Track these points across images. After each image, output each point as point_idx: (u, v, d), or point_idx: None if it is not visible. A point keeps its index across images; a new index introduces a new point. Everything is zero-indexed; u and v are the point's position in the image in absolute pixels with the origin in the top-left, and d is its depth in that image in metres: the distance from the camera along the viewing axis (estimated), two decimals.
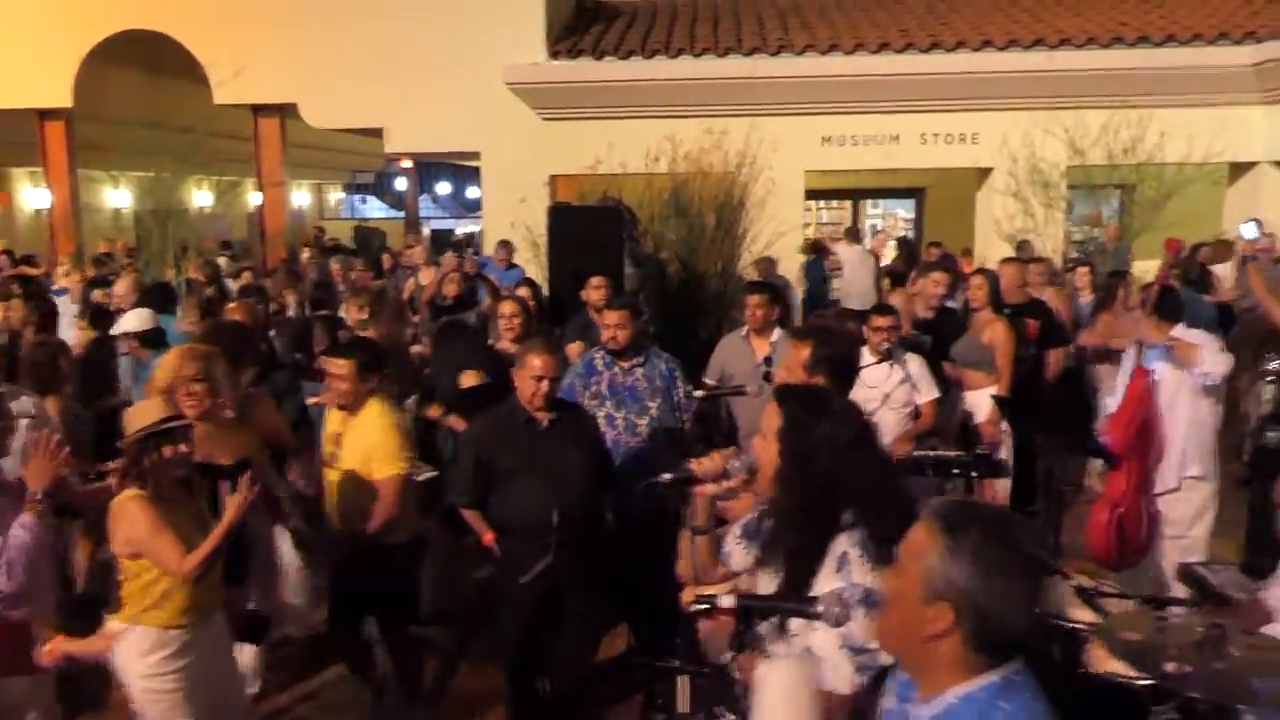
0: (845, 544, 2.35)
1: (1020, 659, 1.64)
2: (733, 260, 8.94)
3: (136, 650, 3.34)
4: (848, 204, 17.44)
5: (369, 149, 16.52)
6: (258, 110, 12.80)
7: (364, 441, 4.16)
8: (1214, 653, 2.39)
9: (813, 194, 14.56)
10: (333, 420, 4.34)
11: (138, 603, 3.36)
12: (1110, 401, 5.06)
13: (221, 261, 11.71)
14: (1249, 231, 8.90)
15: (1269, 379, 7.22)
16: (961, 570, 1.59)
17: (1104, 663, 3.19)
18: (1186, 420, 4.84)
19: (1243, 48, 11.04)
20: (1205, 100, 11.10)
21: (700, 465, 2.45)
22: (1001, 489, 5.86)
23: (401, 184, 24.68)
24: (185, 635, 3.39)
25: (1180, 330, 4.84)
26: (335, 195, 27.42)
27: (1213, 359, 4.67)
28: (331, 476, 4.28)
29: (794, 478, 2.33)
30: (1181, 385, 4.80)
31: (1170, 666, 2.44)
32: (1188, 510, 4.93)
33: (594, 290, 6.52)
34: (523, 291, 7.02)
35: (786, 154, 10.52)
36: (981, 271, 6.60)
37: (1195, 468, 4.89)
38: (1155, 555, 4.96)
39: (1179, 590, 4.78)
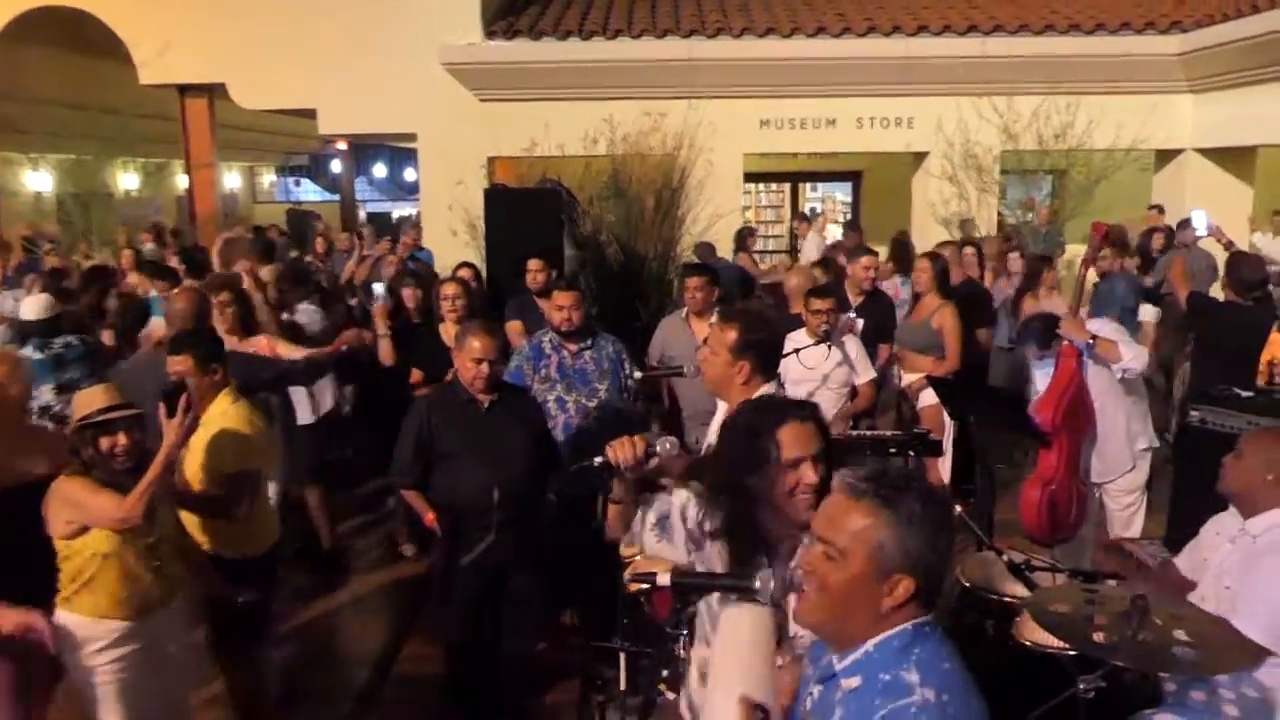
0: None
1: (931, 610, 1.72)
2: (672, 242, 8.97)
3: (68, 637, 3.25)
4: (786, 187, 17.54)
5: (302, 130, 16.20)
6: (184, 90, 12.45)
7: (208, 439, 3.78)
8: (1138, 623, 2.46)
9: (751, 177, 14.62)
10: None
11: (68, 586, 3.26)
12: (1040, 382, 5.16)
13: (150, 246, 11.40)
14: (1199, 222, 9.19)
15: (1187, 360, 7.45)
16: (915, 540, 1.65)
17: (1034, 634, 3.28)
18: (1123, 399, 4.97)
19: (1169, 37, 11.29)
20: (1133, 88, 11.35)
21: (613, 451, 2.42)
22: (941, 468, 5.98)
23: (336, 166, 24.28)
24: (122, 626, 3.27)
25: (1097, 324, 4.97)
26: (268, 178, 26.89)
27: (1131, 354, 4.80)
28: (180, 479, 3.81)
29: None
30: (1103, 372, 4.93)
31: (1098, 637, 2.51)
32: (1139, 479, 5.09)
33: (533, 274, 6.52)
34: (464, 273, 6.96)
35: (725, 137, 10.55)
36: (928, 256, 6.66)
37: (1143, 440, 5.05)
38: (1088, 531, 5.10)
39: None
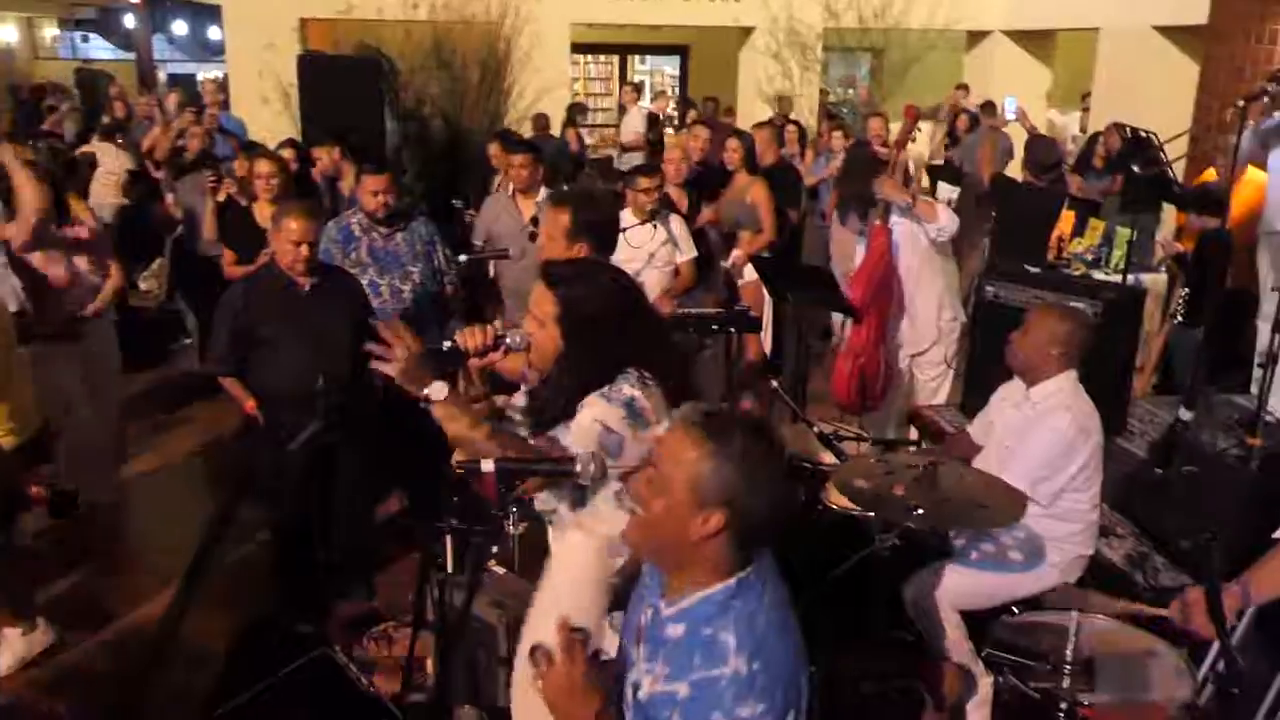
0: (629, 388, 2.41)
1: (757, 561, 1.77)
2: (499, 117, 8.76)
3: None
4: (615, 59, 17.29)
5: None
6: None
7: None
8: (929, 487, 2.71)
9: (579, 48, 14.34)
10: None
11: None
12: (854, 260, 5.40)
13: None
14: (1009, 107, 9.68)
15: (986, 235, 7.94)
16: (732, 475, 1.69)
17: (841, 499, 3.55)
18: (934, 272, 5.27)
19: None
20: None
21: (464, 338, 2.41)
22: (758, 342, 6.24)
23: (130, 21, 22.24)
24: None
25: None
26: (50, 31, 24.45)
27: (946, 216, 5.09)
28: None
29: (580, 356, 2.35)
30: (918, 242, 5.20)
31: (902, 507, 2.73)
32: (945, 351, 5.43)
33: (316, 160, 6.37)
34: (287, 152, 6.60)
35: (551, 6, 10.27)
36: (736, 133, 6.81)
37: (949, 312, 5.37)
38: (894, 400, 5.46)
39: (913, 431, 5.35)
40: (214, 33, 24.97)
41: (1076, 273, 7.14)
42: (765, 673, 1.68)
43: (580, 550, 1.84)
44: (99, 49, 25.38)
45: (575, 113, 11.10)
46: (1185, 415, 4.31)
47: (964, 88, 11.99)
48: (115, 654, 4.07)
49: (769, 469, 1.73)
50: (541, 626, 1.81)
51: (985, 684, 3.33)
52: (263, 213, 5.47)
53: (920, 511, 2.64)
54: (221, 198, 6.00)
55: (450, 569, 2.18)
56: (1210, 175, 6.94)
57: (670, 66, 17.53)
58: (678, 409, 1.83)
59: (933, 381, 5.52)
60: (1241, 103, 4.64)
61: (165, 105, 9.21)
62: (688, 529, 1.71)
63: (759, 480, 1.71)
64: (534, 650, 1.74)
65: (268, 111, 9.25)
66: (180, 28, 27.41)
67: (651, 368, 2.47)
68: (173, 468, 5.85)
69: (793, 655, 1.74)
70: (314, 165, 6.45)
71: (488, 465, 1.92)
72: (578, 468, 1.88)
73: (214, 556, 4.74)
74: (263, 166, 5.61)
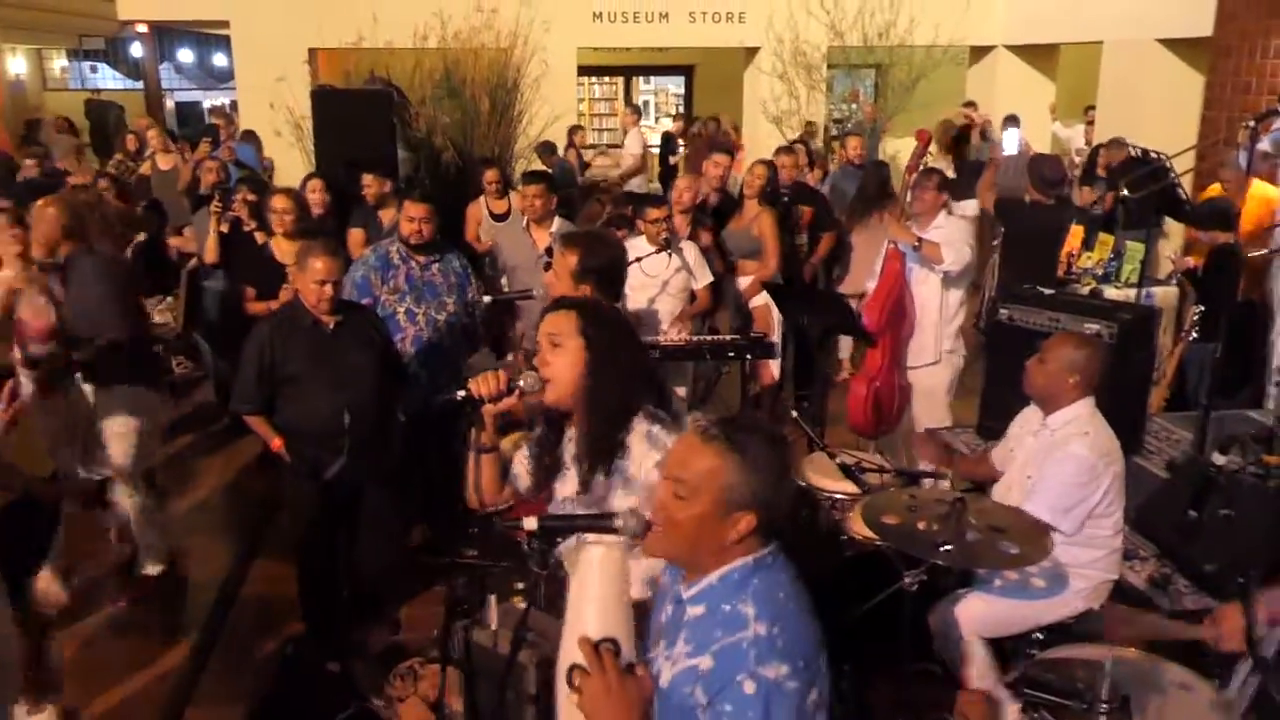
0: (644, 424, 2.47)
1: (774, 541, 1.85)
2: (509, 144, 8.82)
3: None
4: (620, 80, 17.39)
5: (95, 10, 14.82)
6: None
7: None
8: (958, 524, 2.73)
9: (584, 70, 14.44)
10: None
11: None
12: (869, 284, 5.44)
13: None
14: (1010, 141, 9.67)
15: (995, 253, 7.97)
16: (759, 480, 1.77)
17: (863, 529, 3.57)
18: (939, 299, 5.30)
19: None
20: None
21: (477, 385, 2.43)
22: (775, 370, 6.24)
23: (138, 50, 22.38)
24: None
25: (941, 219, 5.24)
26: (59, 63, 24.62)
27: (952, 258, 5.09)
28: None
29: (611, 367, 2.40)
30: (929, 272, 5.23)
31: (928, 539, 2.76)
32: (944, 378, 5.45)
33: (366, 188, 6.41)
34: (313, 184, 6.63)
35: (559, 33, 10.33)
36: (763, 162, 6.72)
37: (949, 342, 5.39)
38: (906, 423, 5.47)
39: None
40: (219, 59, 25.16)
41: (1087, 288, 7.16)
42: (784, 636, 1.75)
43: (599, 560, 1.84)
44: (108, 79, 25.54)
45: (570, 133, 11.16)
46: (1219, 460, 4.28)
47: (971, 105, 12.02)
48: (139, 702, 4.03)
49: (783, 463, 1.84)
50: (574, 643, 1.83)
51: (1013, 711, 3.34)
52: (280, 247, 5.53)
53: (949, 548, 2.66)
54: (224, 228, 6.04)
55: (493, 624, 2.18)
56: (1215, 190, 6.97)
57: (675, 86, 17.62)
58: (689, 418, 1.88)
59: (931, 405, 5.49)
60: (1252, 122, 4.68)
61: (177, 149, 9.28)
62: (720, 534, 1.79)
63: (779, 477, 1.82)
64: (571, 671, 1.78)
65: (281, 144, 9.33)
66: (186, 55, 27.58)
67: (649, 390, 2.55)
68: (193, 499, 5.89)
69: (812, 629, 1.81)
70: (363, 190, 6.48)
71: (530, 523, 1.95)
72: (619, 523, 1.91)
73: (236, 593, 4.82)
74: (278, 202, 5.65)
